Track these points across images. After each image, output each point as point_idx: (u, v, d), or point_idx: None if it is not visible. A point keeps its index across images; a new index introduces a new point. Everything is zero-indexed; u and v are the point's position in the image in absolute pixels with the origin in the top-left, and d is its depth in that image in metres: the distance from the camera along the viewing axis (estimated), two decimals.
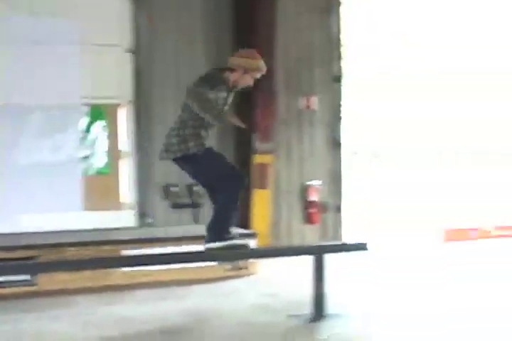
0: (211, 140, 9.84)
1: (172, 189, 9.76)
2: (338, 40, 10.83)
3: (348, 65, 10.92)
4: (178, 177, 9.88)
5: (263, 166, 9.97)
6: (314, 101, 10.58)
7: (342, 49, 10.84)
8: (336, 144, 10.77)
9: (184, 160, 5.93)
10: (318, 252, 6.14)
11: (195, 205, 9.86)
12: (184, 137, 5.81)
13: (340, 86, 10.84)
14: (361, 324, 5.99)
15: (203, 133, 5.87)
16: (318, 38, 10.69)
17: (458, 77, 11.73)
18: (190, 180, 9.80)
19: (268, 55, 9.94)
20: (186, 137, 5.81)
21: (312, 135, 10.65)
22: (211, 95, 5.58)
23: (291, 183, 10.49)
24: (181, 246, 7.76)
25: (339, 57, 10.84)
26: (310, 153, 10.63)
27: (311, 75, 10.65)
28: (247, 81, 5.85)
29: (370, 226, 11.16)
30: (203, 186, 6.44)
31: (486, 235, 11.50)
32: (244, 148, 10.06)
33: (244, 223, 9.84)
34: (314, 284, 6.16)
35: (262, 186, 9.95)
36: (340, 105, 10.88)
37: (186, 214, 9.90)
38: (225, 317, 6.25)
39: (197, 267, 7.79)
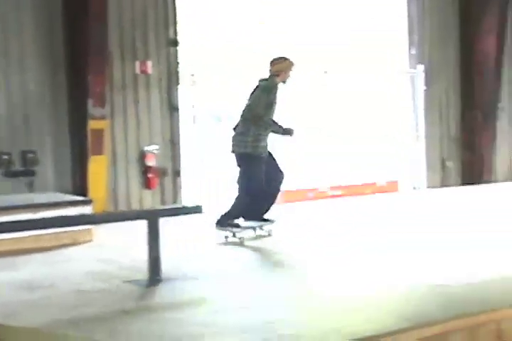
0: (42, 105, 9.74)
1: (4, 157, 9.46)
2: (174, 1, 10.75)
3: (185, 28, 10.89)
4: (11, 144, 9.62)
5: (98, 132, 9.82)
6: (150, 66, 10.49)
7: (178, 11, 10.77)
8: (173, 108, 10.75)
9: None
10: (151, 216, 6.14)
11: (28, 173, 9.61)
12: None
13: (176, 50, 10.79)
14: (198, 287, 6.05)
15: None
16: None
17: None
18: (23, 147, 9.66)
19: (100, 18, 9.81)
20: None
21: (149, 100, 10.57)
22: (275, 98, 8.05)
23: (128, 149, 10.40)
24: (15, 215, 7.56)
25: (175, 21, 10.78)
26: (147, 118, 10.56)
27: (146, 39, 10.54)
28: (288, 76, 8.14)
29: (211, 189, 11.26)
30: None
31: (322, 195, 11.87)
32: (79, 113, 9.87)
33: (81, 190, 9.71)
34: (149, 249, 6.16)
35: (98, 152, 9.82)
36: (177, 69, 10.84)
37: (20, 182, 9.64)
38: (60, 286, 6.15)
39: (32, 236, 7.62)
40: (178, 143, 10.85)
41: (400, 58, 13.07)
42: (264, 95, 7.95)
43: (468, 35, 13.28)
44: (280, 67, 8.10)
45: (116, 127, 10.25)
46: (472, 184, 13.16)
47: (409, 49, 13.06)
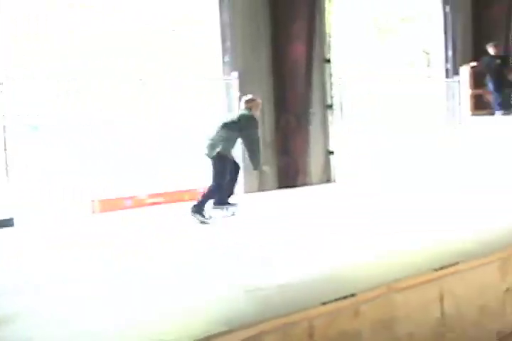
0: None
1: None
2: None
3: None
4: None
5: None
6: None
7: None
8: None
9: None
10: None
11: None
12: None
13: None
14: (15, 301, 5.79)
15: None
16: None
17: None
18: None
19: None
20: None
21: None
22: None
23: None
24: None
25: None
26: None
27: None
28: (257, 113, 10.25)
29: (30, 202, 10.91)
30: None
31: (140, 203, 11.73)
32: None
33: None
34: None
35: None
36: None
37: None
38: None
39: None
40: None
41: (215, 65, 13.21)
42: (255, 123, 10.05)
43: (279, 42, 13.59)
44: (253, 104, 10.20)
45: None
46: (288, 187, 13.50)
47: (223, 56, 13.20)
